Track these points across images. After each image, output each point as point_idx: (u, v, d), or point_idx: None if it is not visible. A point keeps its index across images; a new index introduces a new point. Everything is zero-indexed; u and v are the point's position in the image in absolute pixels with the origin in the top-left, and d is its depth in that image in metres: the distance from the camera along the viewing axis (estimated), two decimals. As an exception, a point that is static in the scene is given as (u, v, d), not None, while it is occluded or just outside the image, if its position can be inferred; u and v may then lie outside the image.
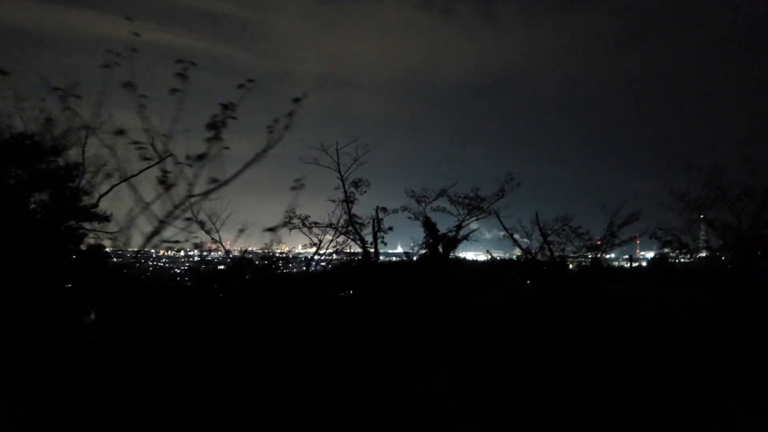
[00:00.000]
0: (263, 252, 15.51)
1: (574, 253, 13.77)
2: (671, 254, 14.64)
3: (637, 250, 21.59)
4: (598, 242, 14.10)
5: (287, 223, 13.83)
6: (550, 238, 13.77)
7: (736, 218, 12.45)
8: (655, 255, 18.25)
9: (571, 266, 22.08)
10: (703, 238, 12.94)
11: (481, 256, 20.53)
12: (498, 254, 17.98)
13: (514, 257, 16.91)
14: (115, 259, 20.06)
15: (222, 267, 15.89)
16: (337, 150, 13.57)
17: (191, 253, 17.51)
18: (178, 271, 20.20)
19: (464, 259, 22.80)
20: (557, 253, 13.86)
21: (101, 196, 11.35)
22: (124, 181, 11.52)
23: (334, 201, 13.84)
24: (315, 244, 14.98)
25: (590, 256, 20.92)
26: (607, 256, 22.91)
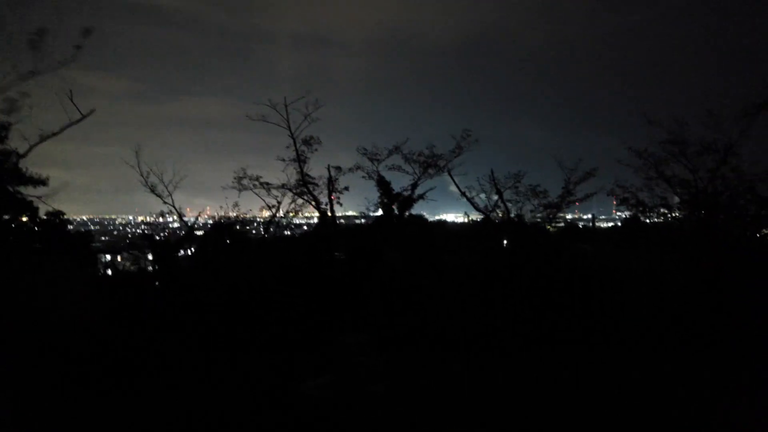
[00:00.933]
0: (229, 217, 15.21)
1: (531, 211, 13.43)
2: (647, 214, 14.08)
3: (614, 211, 21.25)
4: (576, 202, 13.69)
5: (237, 184, 13.47)
6: (507, 197, 13.43)
7: (692, 174, 12.07)
8: (628, 215, 17.91)
9: (549, 228, 21.92)
10: (660, 195, 12.56)
11: (461, 218, 20.22)
12: (477, 216, 17.55)
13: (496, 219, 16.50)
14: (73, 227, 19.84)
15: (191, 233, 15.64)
16: (285, 106, 13.04)
17: (158, 220, 17.23)
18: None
19: (444, 221, 22.62)
20: (515, 212, 13.53)
21: (20, 156, 11.01)
22: (45, 140, 10.99)
23: (283, 160, 13.42)
24: (274, 207, 14.66)
25: (568, 216, 20.58)
26: (584, 217, 22.74)
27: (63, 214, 17.17)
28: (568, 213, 21.87)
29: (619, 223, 20.91)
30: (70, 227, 20.78)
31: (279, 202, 14.52)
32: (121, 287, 12.98)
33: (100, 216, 33.55)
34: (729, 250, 11.65)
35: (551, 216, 13.34)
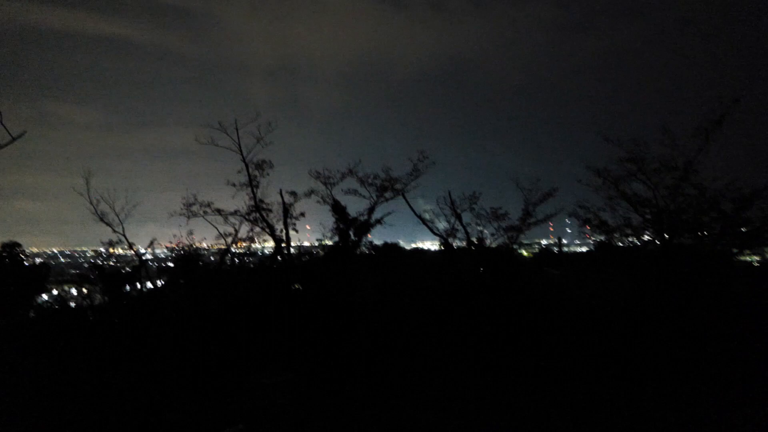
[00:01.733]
0: (190, 246, 14.62)
1: (492, 234, 12.92)
2: (612, 235, 13.43)
3: (587, 235, 20.90)
4: (538, 223, 13.08)
5: (187, 210, 12.90)
6: (467, 220, 12.97)
7: (653, 192, 11.67)
8: (602, 240, 17.43)
9: (525, 253, 21.38)
10: (622, 215, 12.11)
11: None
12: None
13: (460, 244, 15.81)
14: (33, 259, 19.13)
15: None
16: (237, 129, 12.61)
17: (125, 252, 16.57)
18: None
19: (419, 249, 22.16)
20: (476, 236, 13.01)
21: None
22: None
23: (234, 185, 12.89)
24: (230, 235, 14.07)
25: (543, 242, 20.03)
26: (564, 242, 22.25)
27: (18, 245, 16.63)
28: (543, 238, 21.38)
29: (593, 248, 20.53)
30: (39, 260, 20.04)
31: (236, 230, 14.00)
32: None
33: (72, 248, 32.55)
34: (695, 273, 11.15)
35: (513, 239, 12.80)
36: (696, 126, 11.27)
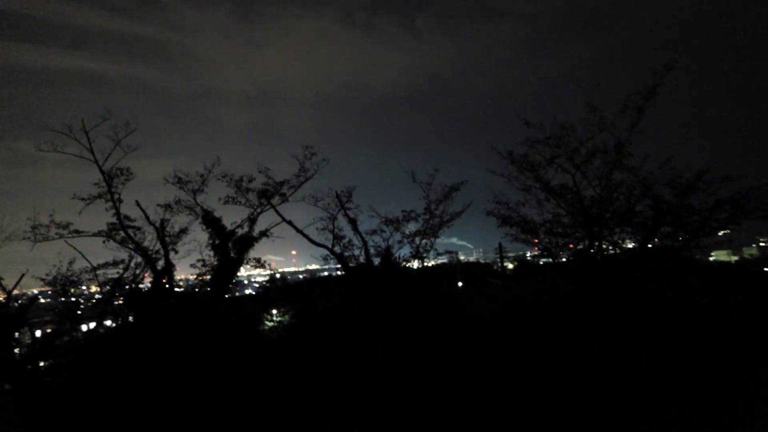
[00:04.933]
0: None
1: (398, 242, 10.66)
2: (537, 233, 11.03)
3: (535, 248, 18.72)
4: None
5: (33, 234, 10.75)
6: (372, 227, 10.80)
7: (573, 179, 9.40)
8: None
9: (510, 266, 19.12)
10: (550, 211, 9.84)
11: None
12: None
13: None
14: None
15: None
16: (86, 132, 10.49)
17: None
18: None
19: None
20: (383, 245, 10.77)
21: None
22: None
23: (84, 199, 10.75)
24: (121, 263, 11.85)
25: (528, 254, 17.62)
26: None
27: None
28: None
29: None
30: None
31: (131, 258, 11.81)
32: None
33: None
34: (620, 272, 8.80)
35: (420, 247, 10.52)
36: (624, 101, 9.08)
